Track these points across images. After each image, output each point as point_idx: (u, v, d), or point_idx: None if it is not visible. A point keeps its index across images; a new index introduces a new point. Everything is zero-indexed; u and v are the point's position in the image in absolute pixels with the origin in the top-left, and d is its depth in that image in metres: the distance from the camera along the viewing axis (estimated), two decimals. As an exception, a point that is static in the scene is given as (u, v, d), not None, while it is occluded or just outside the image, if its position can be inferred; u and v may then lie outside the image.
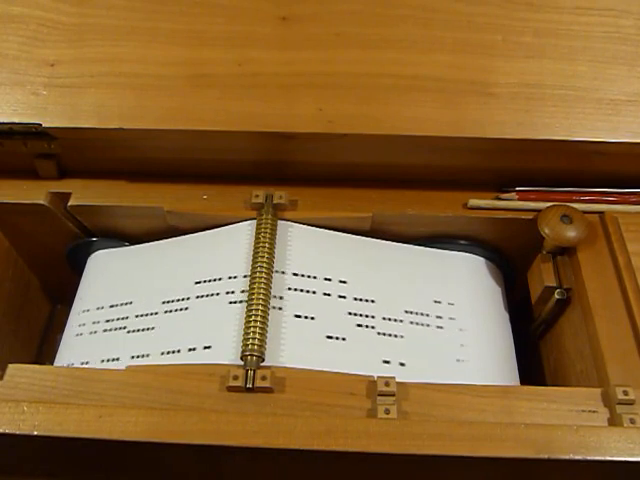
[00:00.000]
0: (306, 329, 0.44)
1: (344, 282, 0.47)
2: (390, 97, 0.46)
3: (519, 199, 0.49)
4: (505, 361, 0.48)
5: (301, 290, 0.46)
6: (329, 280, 0.47)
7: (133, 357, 0.45)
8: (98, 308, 0.50)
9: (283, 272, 0.46)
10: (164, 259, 0.50)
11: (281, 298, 0.45)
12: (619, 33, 0.49)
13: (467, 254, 0.51)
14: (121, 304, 0.49)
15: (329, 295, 0.46)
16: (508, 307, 0.51)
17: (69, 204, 0.50)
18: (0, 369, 0.41)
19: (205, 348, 0.43)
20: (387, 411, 0.38)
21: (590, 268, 0.45)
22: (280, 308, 0.45)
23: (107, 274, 0.52)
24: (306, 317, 0.45)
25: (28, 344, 0.61)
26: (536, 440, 0.36)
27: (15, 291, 0.58)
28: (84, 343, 0.48)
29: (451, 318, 0.47)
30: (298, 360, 0.42)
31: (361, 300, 0.46)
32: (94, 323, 0.49)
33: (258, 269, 0.44)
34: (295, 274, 0.46)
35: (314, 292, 0.46)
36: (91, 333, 0.49)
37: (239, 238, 0.48)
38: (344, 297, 0.46)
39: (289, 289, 0.46)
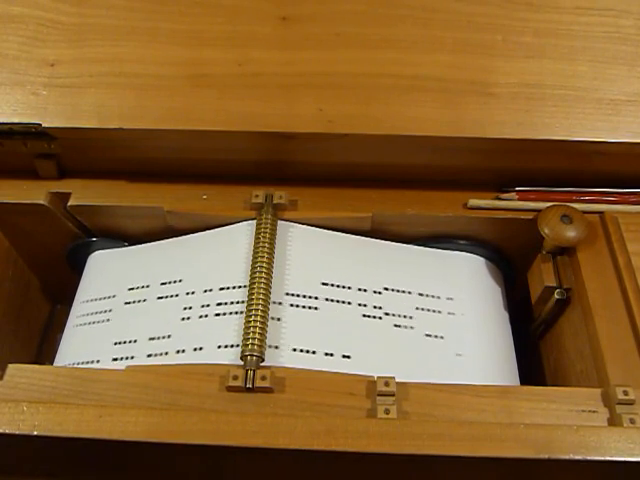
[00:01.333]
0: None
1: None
2: (390, 97, 0.46)
3: (519, 199, 0.49)
4: (505, 361, 0.48)
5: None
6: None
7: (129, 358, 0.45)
8: (98, 309, 0.50)
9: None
10: (164, 259, 0.50)
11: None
12: (619, 33, 0.49)
13: (467, 254, 0.51)
14: (120, 304, 0.49)
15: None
16: (508, 307, 0.51)
17: (69, 204, 0.50)
18: (0, 369, 0.41)
19: (205, 348, 0.43)
20: (387, 411, 0.38)
21: (590, 268, 0.45)
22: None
23: (107, 274, 0.52)
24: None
25: (28, 344, 0.61)
26: (536, 440, 0.36)
27: (15, 291, 0.58)
28: (85, 343, 0.48)
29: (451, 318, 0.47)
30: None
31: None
32: (94, 323, 0.49)
33: (258, 269, 0.44)
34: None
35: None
36: (91, 333, 0.49)
37: (239, 238, 0.48)
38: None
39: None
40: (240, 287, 0.45)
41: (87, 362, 0.46)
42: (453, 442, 0.36)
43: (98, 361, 0.46)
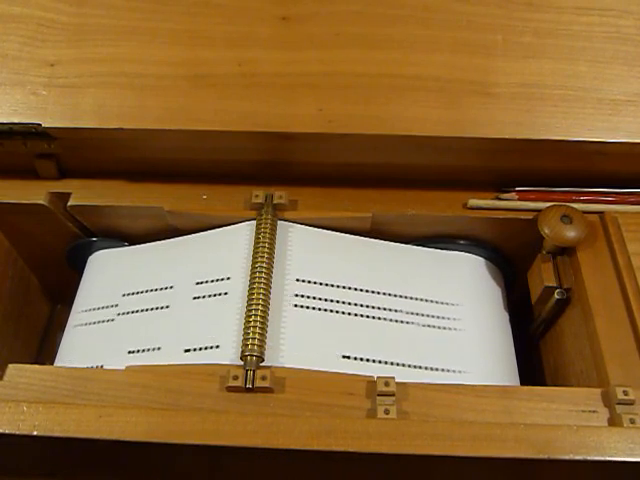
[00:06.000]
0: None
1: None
2: (390, 97, 0.46)
3: (519, 199, 0.49)
4: (505, 361, 0.48)
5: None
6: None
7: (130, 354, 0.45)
8: (98, 308, 0.50)
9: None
10: (164, 259, 0.50)
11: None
12: (619, 33, 0.49)
13: (467, 254, 0.51)
14: (121, 304, 0.49)
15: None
16: (508, 307, 0.51)
17: (69, 204, 0.50)
18: (0, 369, 0.41)
19: (205, 348, 0.43)
20: (387, 411, 0.38)
21: (590, 268, 0.45)
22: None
23: (107, 274, 0.52)
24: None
25: (28, 344, 0.61)
26: (536, 440, 0.36)
27: (15, 291, 0.58)
28: (85, 344, 0.49)
29: (451, 318, 0.47)
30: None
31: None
32: (94, 323, 0.49)
33: (258, 269, 0.44)
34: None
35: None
36: (91, 334, 0.49)
37: (239, 238, 0.48)
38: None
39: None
40: (239, 287, 0.45)
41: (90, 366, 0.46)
42: (453, 442, 0.36)
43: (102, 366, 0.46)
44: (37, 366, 0.41)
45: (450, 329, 0.47)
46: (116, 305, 0.49)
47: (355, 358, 0.44)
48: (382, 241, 0.50)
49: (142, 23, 0.49)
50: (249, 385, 0.39)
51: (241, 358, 0.40)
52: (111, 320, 0.48)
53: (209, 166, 0.50)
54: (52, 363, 0.49)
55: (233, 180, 0.50)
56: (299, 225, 0.49)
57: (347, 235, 0.50)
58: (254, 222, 0.48)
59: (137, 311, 0.48)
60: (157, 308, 0.47)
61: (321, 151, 0.48)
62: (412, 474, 0.41)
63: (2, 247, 0.55)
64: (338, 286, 0.47)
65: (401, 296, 0.47)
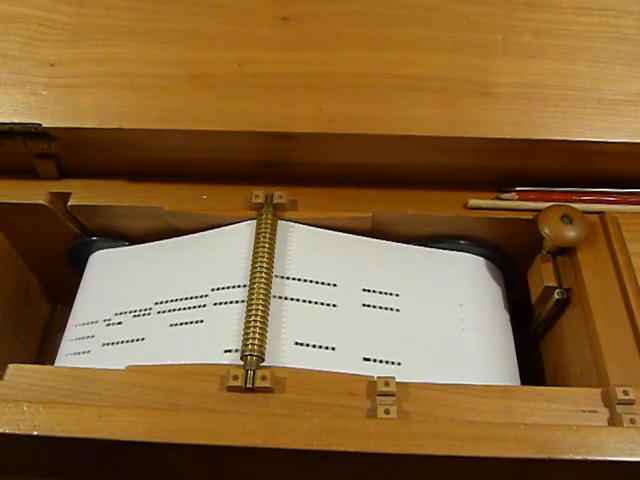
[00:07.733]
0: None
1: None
2: (390, 97, 0.46)
3: (519, 199, 0.49)
4: (505, 361, 0.48)
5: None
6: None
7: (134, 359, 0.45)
8: (98, 310, 0.50)
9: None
10: (164, 259, 0.50)
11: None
12: (619, 33, 0.49)
13: (467, 254, 0.51)
14: (121, 304, 0.49)
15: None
16: (508, 307, 0.51)
17: (69, 204, 0.50)
18: (0, 369, 0.41)
19: (205, 348, 0.43)
20: (387, 411, 0.38)
21: (590, 268, 0.45)
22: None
23: (107, 275, 0.52)
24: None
25: (28, 344, 0.61)
26: (536, 440, 0.36)
27: (15, 291, 0.58)
28: (84, 345, 0.49)
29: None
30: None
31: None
32: (95, 323, 0.49)
33: (258, 269, 0.44)
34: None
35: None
36: (91, 336, 0.49)
37: (239, 238, 0.48)
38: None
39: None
40: (240, 287, 0.45)
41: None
42: (453, 442, 0.36)
43: None
44: (37, 366, 0.41)
45: (450, 328, 0.47)
46: (116, 305, 0.49)
47: (355, 358, 0.44)
48: (382, 241, 0.50)
49: (142, 23, 0.49)
50: (249, 385, 0.39)
51: (241, 358, 0.40)
52: (112, 321, 0.48)
53: (209, 166, 0.50)
54: (52, 363, 0.49)
55: (233, 180, 0.50)
56: (299, 225, 0.49)
57: (347, 235, 0.50)
58: (254, 222, 0.48)
59: (137, 312, 0.48)
60: (157, 309, 0.47)
61: (321, 151, 0.48)
62: (412, 474, 0.41)
63: (2, 247, 0.55)
64: (338, 285, 0.47)
65: (401, 296, 0.47)
